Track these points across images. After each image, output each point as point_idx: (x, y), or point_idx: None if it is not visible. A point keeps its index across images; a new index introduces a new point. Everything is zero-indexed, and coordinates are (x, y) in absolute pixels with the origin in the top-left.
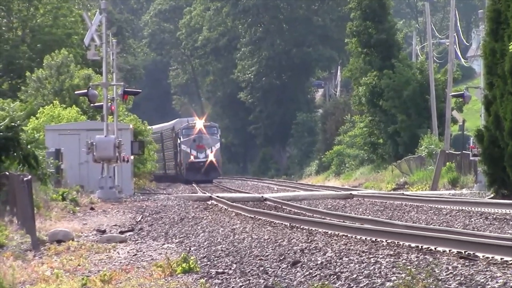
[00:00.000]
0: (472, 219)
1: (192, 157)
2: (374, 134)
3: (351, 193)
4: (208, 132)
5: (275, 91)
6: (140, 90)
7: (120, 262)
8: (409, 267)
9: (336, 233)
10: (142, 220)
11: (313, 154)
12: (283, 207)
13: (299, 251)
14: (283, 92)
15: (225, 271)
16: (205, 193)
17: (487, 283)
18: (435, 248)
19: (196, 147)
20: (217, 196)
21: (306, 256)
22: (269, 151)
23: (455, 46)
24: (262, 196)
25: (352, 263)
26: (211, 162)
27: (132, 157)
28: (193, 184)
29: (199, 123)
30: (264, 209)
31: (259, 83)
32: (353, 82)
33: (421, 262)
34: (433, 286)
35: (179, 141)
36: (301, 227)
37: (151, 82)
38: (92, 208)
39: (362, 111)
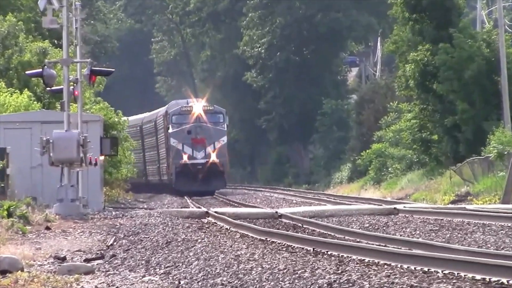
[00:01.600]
0: None
1: (185, 157)
2: (426, 128)
3: (395, 208)
4: (210, 120)
5: (294, 71)
6: (113, 69)
7: None
8: None
9: (376, 261)
10: (115, 243)
11: (345, 155)
12: (305, 226)
13: (326, 285)
14: (304, 72)
15: None
16: (199, 207)
17: None
18: (507, 281)
19: (192, 142)
20: (216, 212)
21: None
22: (285, 150)
23: None
24: (276, 212)
25: None
26: (213, 165)
27: (102, 158)
28: (185, 197)
29: (197, 107)
30: (279, 229)
31: (272, 59)
32: (398, 59)
33: None
34: None
35: (168, 133)
36: (329, 253)
37: (127, 59)
38: (48, 228)
39: (410, 97)
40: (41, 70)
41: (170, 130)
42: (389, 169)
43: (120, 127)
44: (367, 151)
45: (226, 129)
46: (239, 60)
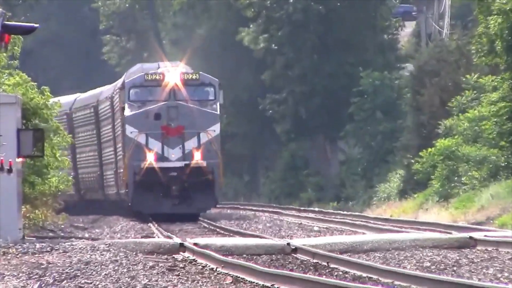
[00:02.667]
0: None
1: (150, 158)
2: None
3: (471, 237)
4: (192, 96)
5: (316, 27)
6: (37, 25)
7: None
8: None
9: None
10: None
11: (395, 156)
12: (332, 266)
13: None
14: (332, 28)
15: None
16: (170, 237)
17: None
18: None
19: (163, 132)
20: (196, 244)
21: None
22: (302, 150)
23: None
24: (289, 244)
25: None
26: (197, 171)
27: (20, 161)
28: (150, 223)
29: (172, 74)
30: (292, 270)
31: (282, 9)
32: (477, 8)
33: None
34: None
35: (124, 117)
36: None
37: (59, 9)
38: None
39: (496, 67)
40: None
41: (127, 113)
42: (463, 179)
43: (48, 113)
44: (429, 150)
45: (219, 111)
46: (232, 10)
